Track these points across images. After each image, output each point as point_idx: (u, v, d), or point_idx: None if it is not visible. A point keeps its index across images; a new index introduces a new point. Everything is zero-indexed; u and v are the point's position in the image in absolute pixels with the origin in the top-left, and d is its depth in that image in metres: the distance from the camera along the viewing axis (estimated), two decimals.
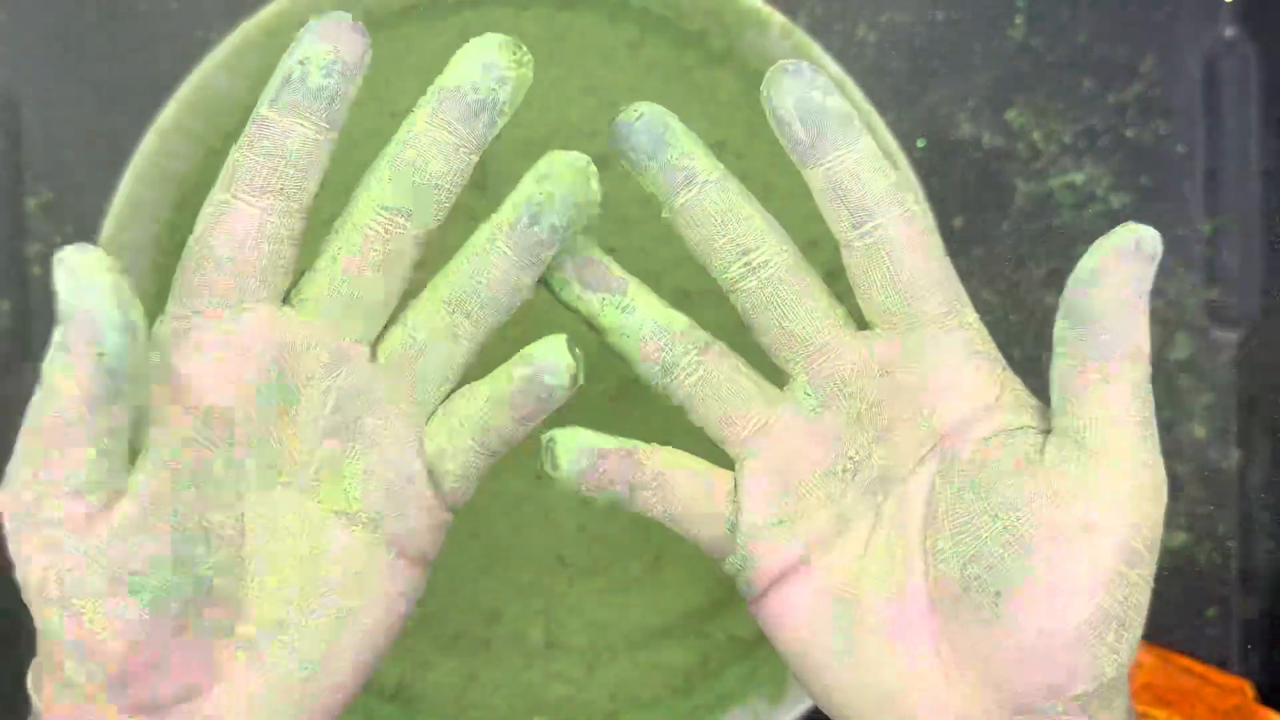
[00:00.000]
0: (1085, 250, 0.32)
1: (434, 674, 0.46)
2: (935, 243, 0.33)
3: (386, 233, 0.33)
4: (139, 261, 0.44)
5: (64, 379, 0.29)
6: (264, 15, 0.43)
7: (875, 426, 0.34)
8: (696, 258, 0.35)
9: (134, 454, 0.31)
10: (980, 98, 0.50)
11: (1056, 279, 0.50)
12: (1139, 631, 0.31)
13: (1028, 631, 0.31)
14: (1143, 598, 0.31)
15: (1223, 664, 0.50)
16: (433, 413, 0.34)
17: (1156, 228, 0.50)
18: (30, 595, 0.30)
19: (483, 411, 0.33)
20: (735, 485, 0.34)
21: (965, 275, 0.50)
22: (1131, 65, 0.50)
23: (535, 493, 0.46)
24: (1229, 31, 0.50)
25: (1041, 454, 0.32)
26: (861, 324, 0.35)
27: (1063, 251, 0.50)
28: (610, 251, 0.45)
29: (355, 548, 0.33)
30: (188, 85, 0.43)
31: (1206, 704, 0.47)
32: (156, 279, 0.44)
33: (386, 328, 0.34)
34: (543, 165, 0.33)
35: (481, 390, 0.34)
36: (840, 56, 0.46)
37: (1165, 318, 0.50)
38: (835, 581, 0.34)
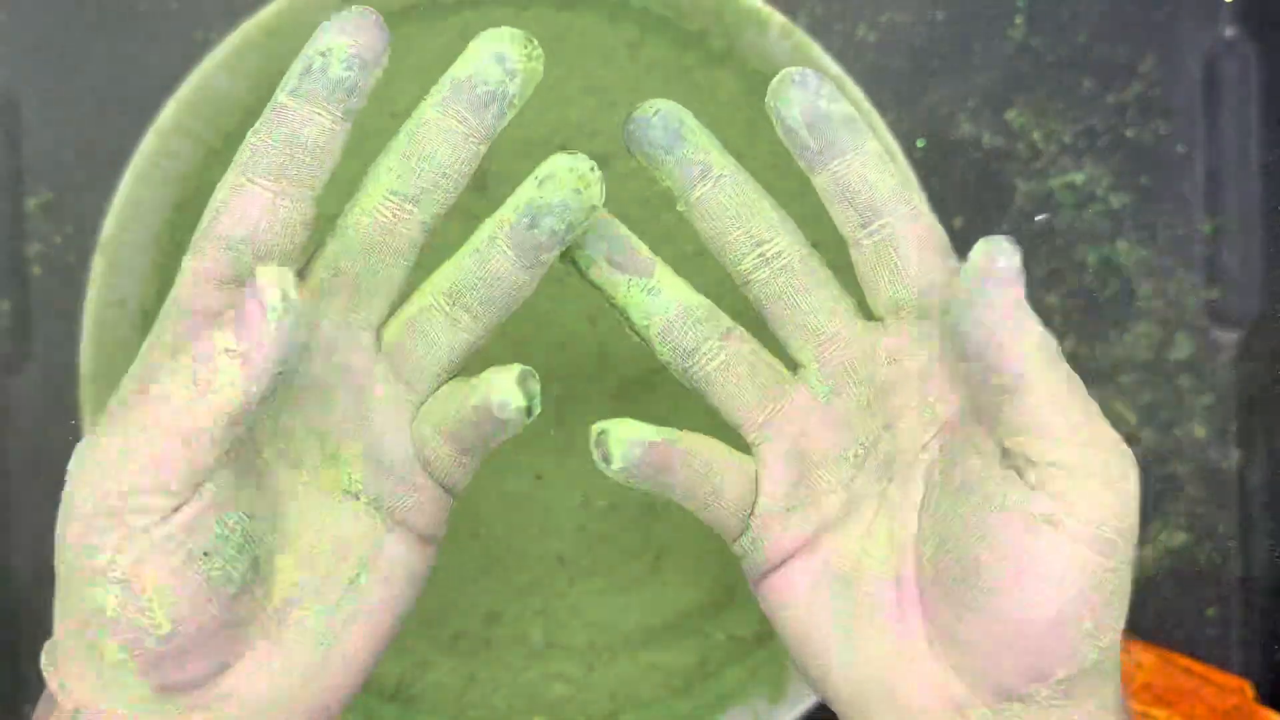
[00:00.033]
0: (1087, 250, 0.32)
1: (434, 674, 0.46)
2: (941, 237, 0.34)
3: (394, 218, 0.33)
4: (139, 261, 0.44)
5: (227, 384, 0.30)
6: (264, 15, 0.43)
7: (884, 413, 0.34)
8: (711, 250, 0.35)
9: None
10: (980, 98, 0.50)
11: (1056, 279, 0.50)
12: (1121, 615, 0.31)
13: (1002, 619, 0.31)
14: (1121, 582, 0.31)
15: (1223, 664, 0.50)
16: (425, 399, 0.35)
17: (1156, 228, 0.50)
18: (80, 575, 0.30)
19: (451, 421, 0.34)
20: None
21: None
22: (1131, 65, 0.50)
23: (535, 493, 0.46)
24: (1229, 31, 0.50)
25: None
26: (868, 316, 0.35)
27: (1063, 251, 0.50)
28: None
29: (360, 526, 0.34)
30: (188, 85, 0.43)
31: (1206, 704, 0.47)
32: (157, 279, 0.44)
33: (390, 314, 0.35)
34: (544, 168, 0.33)
35: (448, 403, 0.34)
36: (840, 56, 0.46)
37: (1165, 318, 0.50)
38: (838, 562, 0.34)
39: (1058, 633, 0.31)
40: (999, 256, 0.30)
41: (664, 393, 0.46)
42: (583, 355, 0.46)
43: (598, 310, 0.45)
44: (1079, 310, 0.50)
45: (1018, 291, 0.30)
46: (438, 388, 0.35)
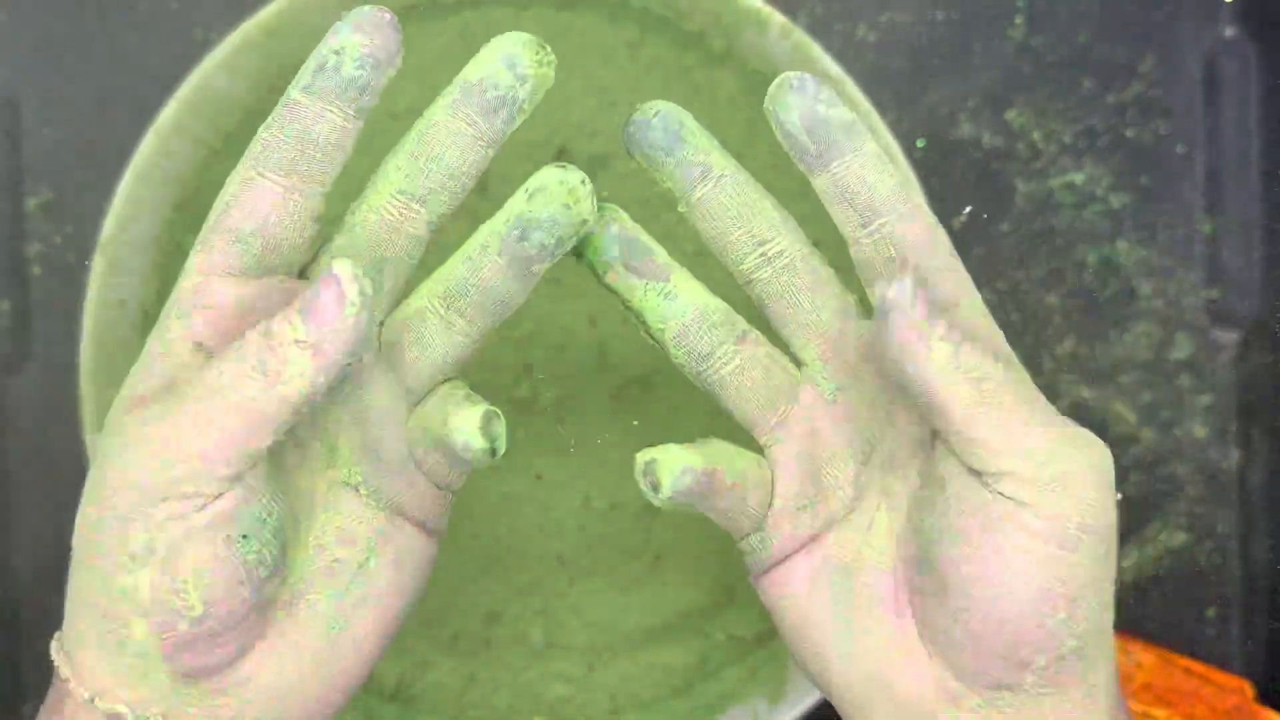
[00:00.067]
0: (1087, 250, 0.32)
1: (434, 674, 0.46)
2: (940, 236, 0.34)
3: (401, 217, 0.34)
4: (139, 261, 0.44)
5: (297, 375, 0.30)
6: (264, 15, 0.43)
7: (886, 408, 0.35)
8: (713, 251, 0.35)
9: None
10: (980, 98, 0.50)
11: (1056, 279, 0.50)
12: (1101, 604, 0.32)
13: (975, 613, 0.31)
14: (1094, 573, 0.31)
15: (1223, 664, 0.50)
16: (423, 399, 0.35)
17: (1156, 228, 0.50)
18: (112, 558, 0.31)
19: (434, 436, 0.34)
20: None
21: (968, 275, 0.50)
22: (1131, 65, 0.50)
23: (535, 493, 0.46)
24: (1229, 31, 0.50)
25: None
26: (869, 313, 0.35)
27: (1063, 251, 0.50)
28: None
29: (364, 516, 0.34)
30: (188, 85, 0.43)
31: (1206, 704, 0.47)
32: (157, 279, 0.44)
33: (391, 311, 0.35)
34: (535, 180, 0.33)
35: (436, 414, 0.34)
36: (840, 56, 0.46)
37: (1165, 318, 0.50)
38: (839, 555, 0.34)
39: (1030, 624, 0.31)
40: (889, 288, 0.30)
41: (664, 393, 0.46)
42: (583, 355, 0.46)
43: (598, 310, 0.45)
44: (1079, 310, 0.50)
45: (912, 317, 0.30)
46: (434, 388, 0.35)
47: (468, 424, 0.32)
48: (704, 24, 0.44)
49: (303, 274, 0.34)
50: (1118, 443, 0.50)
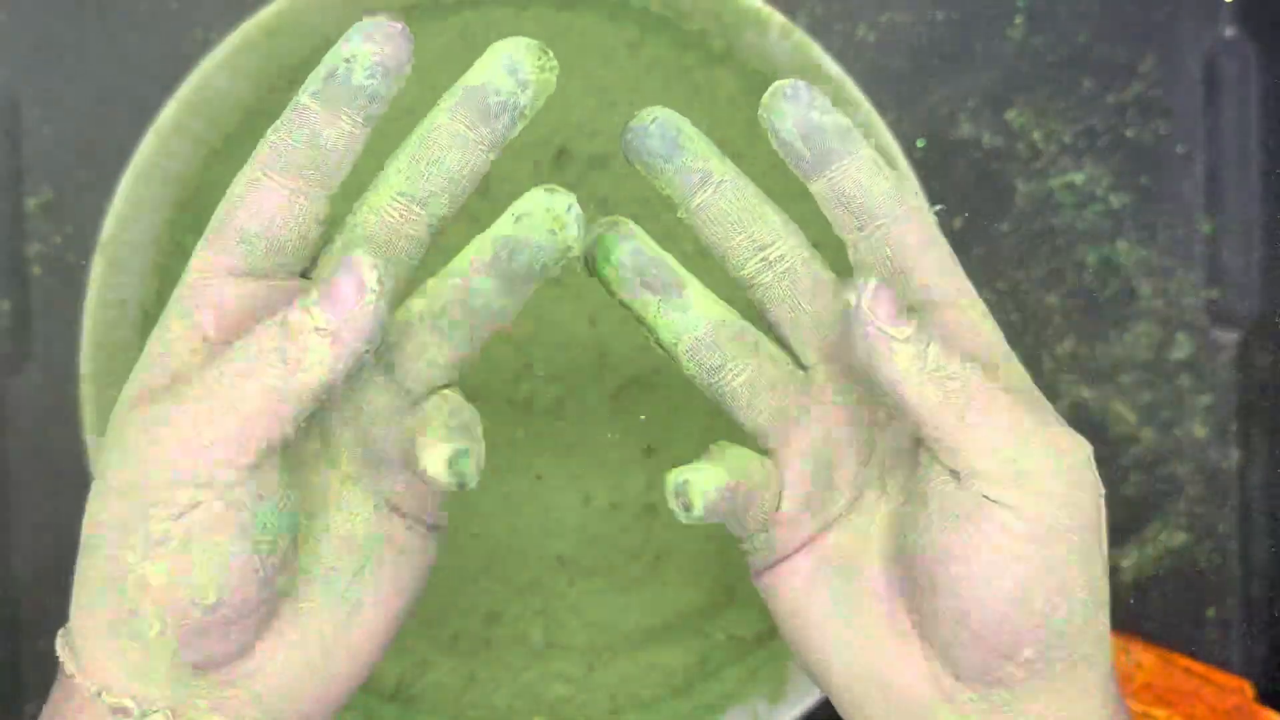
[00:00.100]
0: (1087, 250, 0.32)
1: (434, 674, 0.46)
2: (937, 236, 0.34)
3: (401, 219, 0.34)
4: (139, 261, 0.44)
5: (317, 362, 0.30)
6: (264, 15, 0.43)
7: (885, 410, 0.35)
8: (714, 255, 0.35)
9: None
10: (980, 98, 0.50)
11: (1056, 279, 0.50)
12: (1089, 598, 0.32)
13: (960, 607, 0.32)
14: (1076, 568, 0.32)
15: (1223, 664, 0.50)
16: (420, 401, 0.35)
17: (1156, 228, 0.50)
18: (126, 547, 0.31)
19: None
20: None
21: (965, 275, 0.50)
22: (1131, 65, 0.50)
23: (535, 493, 0.46)
24: (1229, 31, 0.50)
25: None
26: None
27: (1063, 251, 0.50)
28: None
29: (366, 514, 0.34)
30: (188, 85, 0.43)
31: (1206, 704, 0.47)
32: (157, 279, 0.44)
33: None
34: (522, 204, 0.33)
35: (425, 423, 0.34)
36: (840, 56, 0.46)
37: (1165, 318, 0.50)
38: (839, 552, 0.35)
39: (1013, 617, 0.31)
40: (855, 292, 0.31)
41: (664, 392, 0.46)
42: (583, 355, 0.46)
43: (598, 310, 0.45)
44: (1079, 310, 0.50)
45: (877, 321, 0.31)
46: (429, 392, 0.34)
47: (436, 459, 0.32)
48: (704, 24, 0.44)
49: (304, 276, 0.34)
50: (1118, 443, 0.50)
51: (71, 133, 0.48)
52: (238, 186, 0.33)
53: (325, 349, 0.30)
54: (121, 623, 0.31)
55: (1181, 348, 0.50)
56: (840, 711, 0.35)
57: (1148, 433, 0.50)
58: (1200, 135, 0.50)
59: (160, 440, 0.31)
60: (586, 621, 0.46)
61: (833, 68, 0.44)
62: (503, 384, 0.45)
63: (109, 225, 0.43)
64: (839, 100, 0.44)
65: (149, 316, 0.44)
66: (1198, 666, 0.48)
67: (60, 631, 0.33)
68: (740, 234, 0.35)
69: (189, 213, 0.44)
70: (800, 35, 0.44)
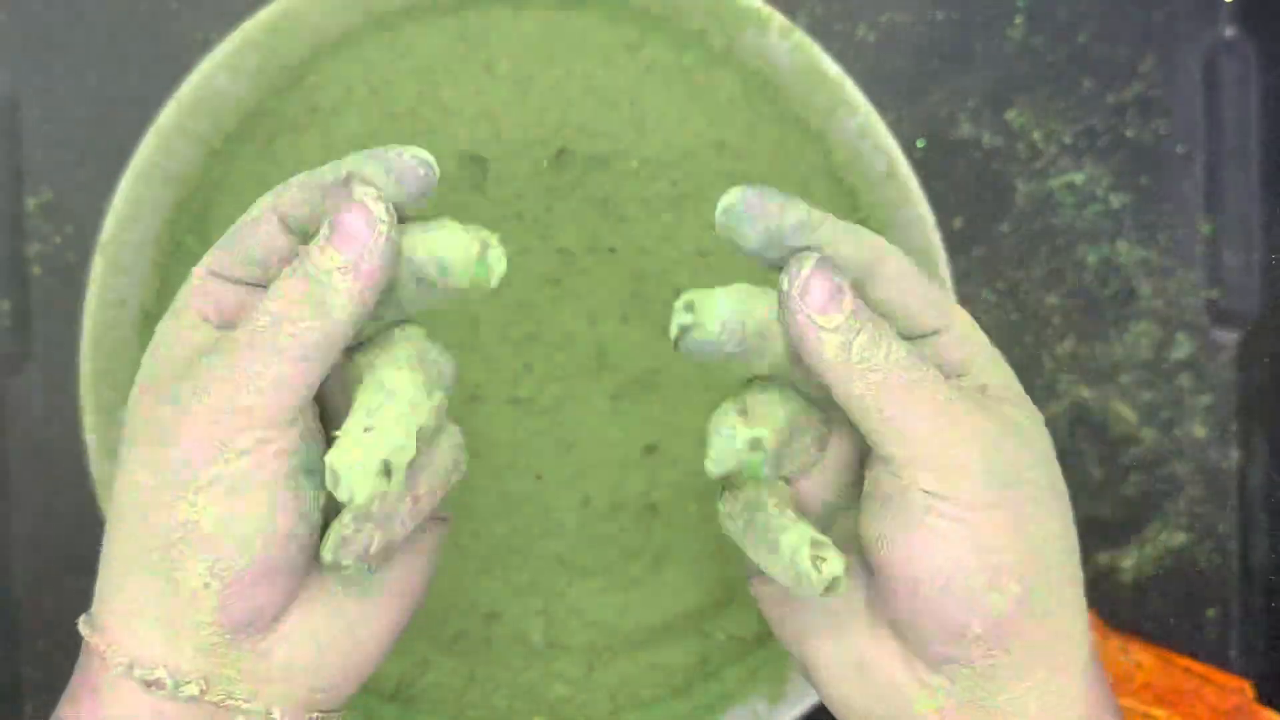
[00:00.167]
0: (1087, 250, 0.32)
1: (434, 674, 0.46)
2: (914, 271, 0.34)
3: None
4: (139, 261, 0.44)
5: (345, 298, 0.31)
6: (264, 15, 0.43)
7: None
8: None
9: None
10: (980, 98, 0.50)
11: (1056, 279, 0.50)
12: (1039, 579, 0.32)
13: (906, 587, 0.32)
14: (1016, 544, 0.32)
15: (1223, 664, 0.50)
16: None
17: (1156, 228, 0.50)
18: (171, 498, 0.31)
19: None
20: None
21: (965, 275, 0.50)
22: (1131, 65, 0.50)
23: (535, 493, 0.46)
24: (1229, 31, 0.50)
25: None
26: None
27: (1063, 251, 0.50)
28: (610, 251, 0.45)
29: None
30: (188, 85, 0.43)
31: (1206, 704, 0.47)
32: (156, 279, 0.44)
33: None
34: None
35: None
36: (840, 56, 0.46)
37: (1165, 317, 0.50)
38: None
39: (953, 592, 0.32)
40: (784, 280, 0.32)
41: (664, 393, 0.46)
42: (583, 355, 0.46)
43: (598, 310, 0.45)
44: (1079, 310, 0.50)
45: (805, 309, 0.32)
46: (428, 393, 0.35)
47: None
48: (704, 24, 0.44)
49: None
50: (1118, 443, 0.50)
51: (71, 133, 0.48)
52: (255, 210, 0.33)
53: (349, 283, 0.31)
54: (157, 590, 0.31)
55: (1181, 348, 0.50)
56: (829, 706, 0.35)
57: (1148, 433, 0.50)
58: (1200, 135, 0.50)
59: (207, 391, 0.31)
60: (586, 621, 0.46)
61: (832, 68, 0.44)
62: (503, 384, 0.45)
63: (109, 225, 0.43)
64: (839, 100, 0.44)
65: (149, 316, 0.44)
66: (1198, 666, 0.48)
67: (82, 617, 0.33)
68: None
69: (189, 213, 0.44)
70: (800, 35, 0.44)
